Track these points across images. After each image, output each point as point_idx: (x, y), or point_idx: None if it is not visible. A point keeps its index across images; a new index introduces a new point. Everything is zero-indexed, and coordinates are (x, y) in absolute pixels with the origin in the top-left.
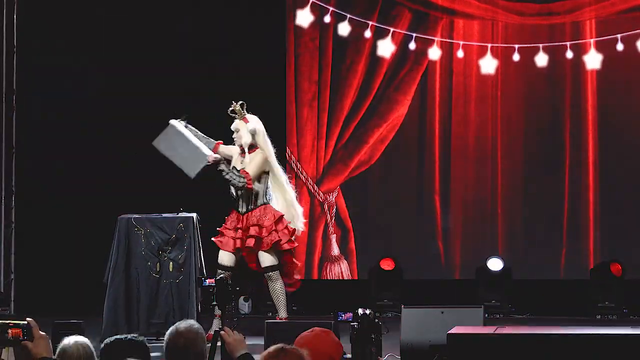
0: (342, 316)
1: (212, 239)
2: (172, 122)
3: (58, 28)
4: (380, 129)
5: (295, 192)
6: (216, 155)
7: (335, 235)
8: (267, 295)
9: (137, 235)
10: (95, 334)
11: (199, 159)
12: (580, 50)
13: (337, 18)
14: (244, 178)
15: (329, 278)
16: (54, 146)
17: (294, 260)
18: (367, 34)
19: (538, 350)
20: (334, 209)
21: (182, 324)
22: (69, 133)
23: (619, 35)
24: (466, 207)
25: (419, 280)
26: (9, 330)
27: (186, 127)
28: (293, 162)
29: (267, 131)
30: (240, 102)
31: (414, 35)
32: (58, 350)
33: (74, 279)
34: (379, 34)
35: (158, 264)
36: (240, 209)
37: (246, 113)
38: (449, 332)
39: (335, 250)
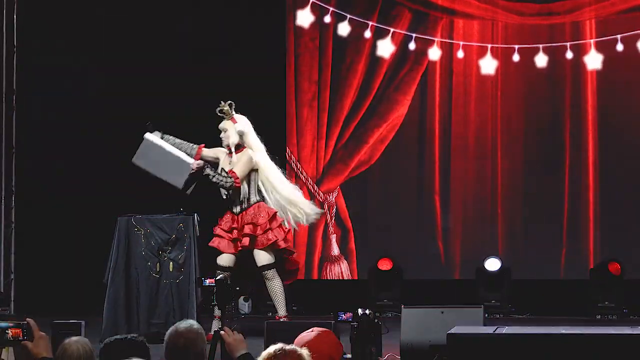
0: (342, 316)
1: (209, 244)
2: (147, 135)
3: (58, 28)
4: (380, 129)
5: (296, 187)
6: (199, 162)
7: (335, 235)
8: (267, 295)
9: (137, 235)
10: (95, 334)
11: (182, 168)
12: (580, 51)
13: (337, 18)
14: (231, 178)
15: (329, 278)
16: (54, 146)
17: (293, 257)
18: (367, 34)
19: (538, 350)
20: (334, 209)
21: (182, 324)
22: (69, 133)
23: (619, 36)
24: (466, 207)
25: (419, 280)
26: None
27: (162, 137)
28: (293, 162)
29: (267, 131)
30: (229, 102)
31: (414, 35)
32: (58, 350)
33: (74, 279)
34: (379, 34)
35: (158, 264)
36: (234, 210)
37: (234, 113)
38: (449, 332)
39: (335, 250)
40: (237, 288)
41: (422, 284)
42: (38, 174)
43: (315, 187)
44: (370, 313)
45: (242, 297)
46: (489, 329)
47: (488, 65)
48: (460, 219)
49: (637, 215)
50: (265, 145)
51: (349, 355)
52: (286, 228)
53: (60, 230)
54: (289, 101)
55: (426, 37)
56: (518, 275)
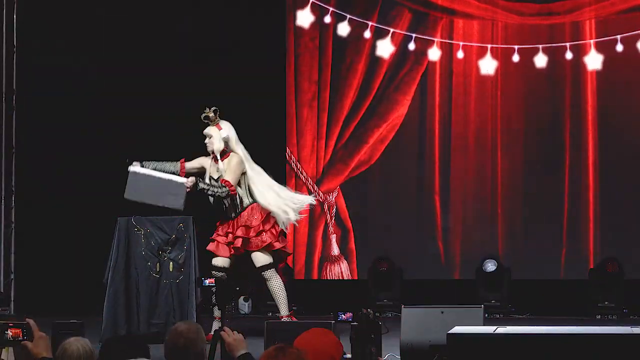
0: (342, 316)
1: (207, 248)
2: (131, 168)
3: (58, 28)
4: (380, 129)
5: (283, 187)
6: (191, 179)
7: (335, 235)
8: (267, 295)
9: (137, 235)
10: (95, 334)
11: (177, 190)
12: (580, 51)
13: (337, 18)
14: (225, 187)
15: (329, 278)
16: (54, 146)
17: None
18: (367, 34)
19: (538, 350)
20: (334, 209)
21: (182, 324)
22: (69, 133)
23: (619, 36)
24: (466, 207)
25: (419, 280)
26: (9, 330)
27: (143, 165)
28: (293, 162)
29: (267, 131)
30: (214, 108)
31: (414, 35)
32: (58, 350)
33: (74, 279)
34: (379, 34)
35: (158, 264)
36: (230, 215)
37: (219, 120)
38: (449, 332)
39: (335, 250)
40: (237, 288)
41: (422, 284)
42: (38, 174)
43: (315, 187)
44: (370, 313)
45: (242, 297)
46: (489, 329)
47: (488, 65)
48: (460, 219)
49: (637, 215)
50: (265, 145)
51: (349, 355)
52: (279, 229)
53: (60, 230)
54: (289, 101)
55: (426, 37)
56: (518, 275)
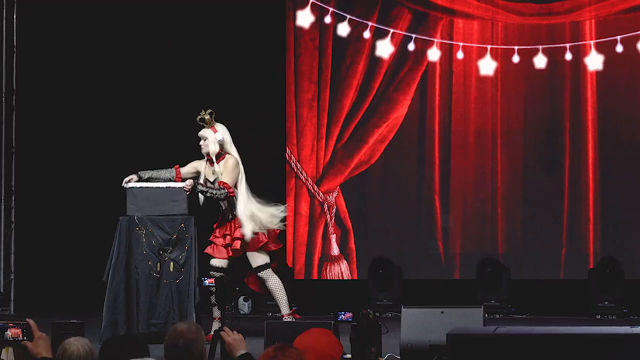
0: (342, 316)
1: (204, 251)
2: (126, 185)
3: (58, 28)
4: (380, 129)
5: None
6: (189, 182)
7: (335, 235)
8: (267, 295)
9: (138, 234)
10: (95, 334)
11: (177, 196)
12: (580, 51)
13: (337, 18)
14: (224, 189)
15: (329, 278)
16: (54, 146)
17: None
18: (367, 34)
19: (538, 350)
20: (334, 209)
21: (182, 324)
22: (69, 133)
23: (618, 37)
24: (466, 207)
25: (419, 280)
26: (9, 330)
27: (139, 175)
28: (293, 162)
29: (267, 131)
30: (210, 110)
31: (414, 36)
32: (58, 350)
33: (74, 279)
34: (379, 34)
35: (159, 263)
36: (227, 217)
37: (215, 122)
38: (449, 332)
39: (335, 250)
40: (237, 288)
41: (422, 284)
42: (38, 174)
43: (315, 187)
44: (370, 313)
45: (242, 297)
46: (489, 329)
47: (487, 66)
48: (460, 219)
49: (637, 215)
50: (265, 145)
51: (349, 355)
52: (276, 230)
53: (60, 230)
54: (289, 101)
55: (426, 37)
56: (518, 275)
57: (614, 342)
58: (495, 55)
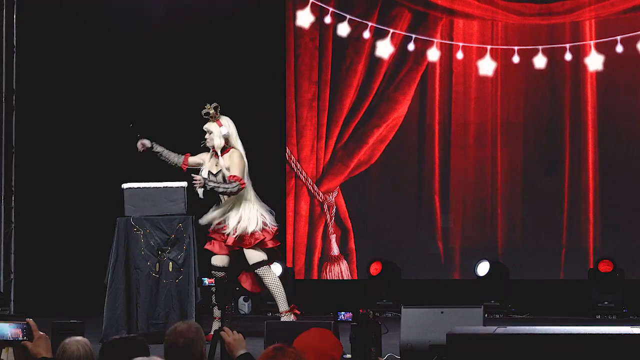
0: (342, 316)
1: (204, 247)
2: (124, 185)
3: (58, 28)
4: (380, 129)
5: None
6: (199, 177)
7: (335, 235)
8: (267, 295)
9: (137, 235)
10: (95, 334)
11: (175, 196)
12: (580, 52)
13: (337, 18)
14: (236, 182)
15: (328, 278)
16: (54, 146)
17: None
18: (367, 34)
19: (538, 350)
20: (334, 209)
21: (182, 324)
22: (69, 133)
23: (618, 37)
24: (466, 207)
25: (419, 280)
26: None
27: (152, 144)
28: (293, 162)
29: (267, 131)
30: (215, 104)
31: (414, 36)
32: (58, 350)
33: (74, 279)
34: (379, 34)
35: (158, 264)
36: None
37: (220, 116)
38: (449, 332)
39: (335, 250)
40: (237, 288)
41: (421, 284)
42: (38, 174)
43: (315, 187)
44: (370, 313)
45: (242, 297)
46: (489, 329)
47: (487, 66)
48: (460, 219)
49: (637, 215)
50: (265, 145)
51: (349, 355)
52: (275, 227)
53: (60, 230)
54: (289, 101)
55: (426, 38)
56: (518, 275)
57: (614, 342)
58: (495, 55)
